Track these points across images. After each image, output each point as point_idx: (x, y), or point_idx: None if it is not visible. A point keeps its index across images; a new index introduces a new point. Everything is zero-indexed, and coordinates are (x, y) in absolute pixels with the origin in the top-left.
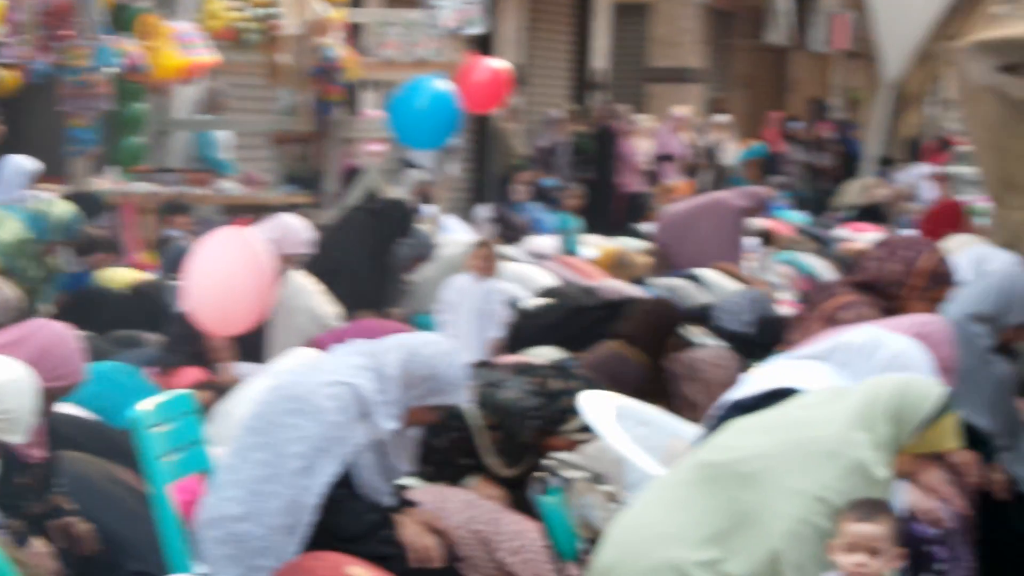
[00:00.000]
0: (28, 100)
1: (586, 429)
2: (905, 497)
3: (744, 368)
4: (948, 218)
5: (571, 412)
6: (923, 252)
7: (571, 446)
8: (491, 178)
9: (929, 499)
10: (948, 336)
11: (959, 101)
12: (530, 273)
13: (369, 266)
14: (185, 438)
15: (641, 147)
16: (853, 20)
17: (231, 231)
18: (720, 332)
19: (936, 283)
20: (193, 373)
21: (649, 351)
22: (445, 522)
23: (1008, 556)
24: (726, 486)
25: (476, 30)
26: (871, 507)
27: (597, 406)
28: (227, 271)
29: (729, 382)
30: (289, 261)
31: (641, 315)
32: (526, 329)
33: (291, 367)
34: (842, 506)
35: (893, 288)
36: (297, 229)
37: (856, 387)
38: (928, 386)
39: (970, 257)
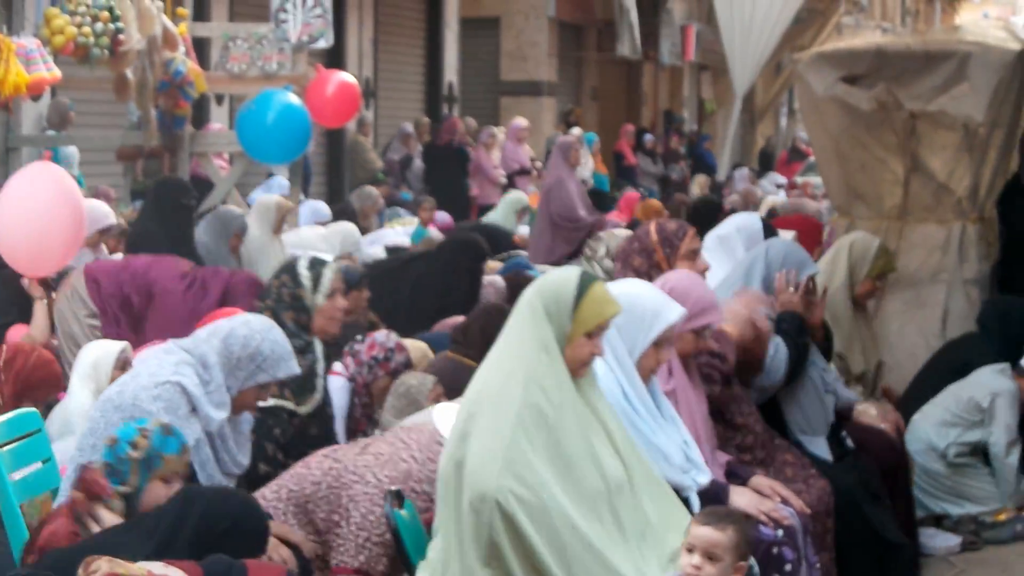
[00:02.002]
0: None
1: None
2: (741, 501)
3: None
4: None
5: None
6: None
7: None
8: (347, 192)
9: (766, 501)
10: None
11: (803, 112)
12: None
13: None
14: (33, 456)
15: (495, 159)
16: (702, 32)
17: (40, 167)
18: None
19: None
20: (22, 330)
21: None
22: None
23: (865, 554)
24: None
25: (323, 43)
26: (721, 515)
27: (448, 417)
28: (37, 208)
29: None
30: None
31: (475, 324)
32: None
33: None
34: None
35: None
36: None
37: None
38: (561, 275)
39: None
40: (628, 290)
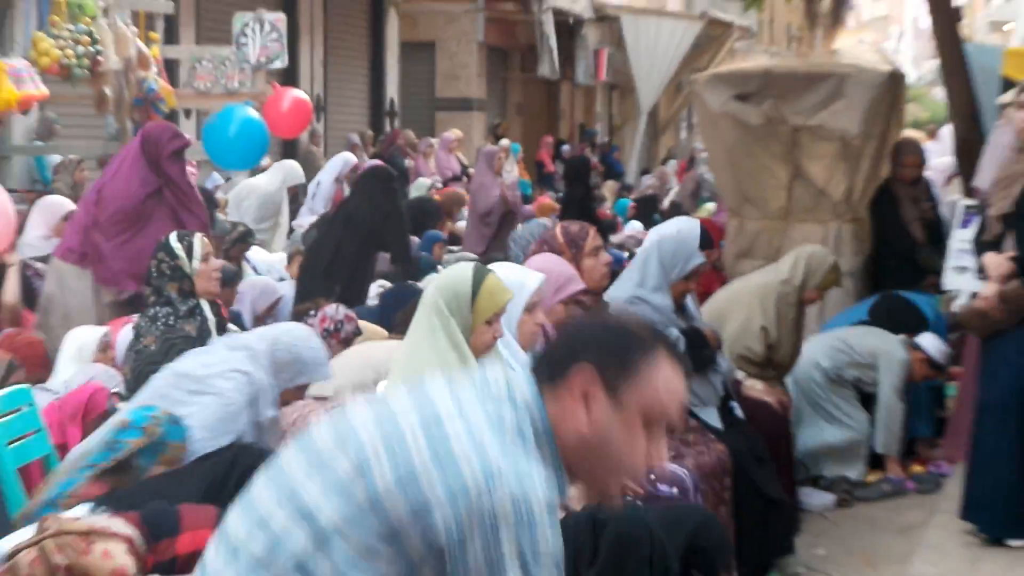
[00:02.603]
0: None
1: None
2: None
3: None
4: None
5: None
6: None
7: None
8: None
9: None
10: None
11: (700, 126)
12: None
13: None
14: (26, 427)
15: (431, 166)
16: (613, 56)
17: None
18: None
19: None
20: None
21: None
22: None
23: (751, 510)
24: None
25: (279, 64)
26: None
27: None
28: None
29: None
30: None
31: (412, 311)
32: None
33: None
34: None
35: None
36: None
37: None
38: (455, 272)
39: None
40: (498, 272)
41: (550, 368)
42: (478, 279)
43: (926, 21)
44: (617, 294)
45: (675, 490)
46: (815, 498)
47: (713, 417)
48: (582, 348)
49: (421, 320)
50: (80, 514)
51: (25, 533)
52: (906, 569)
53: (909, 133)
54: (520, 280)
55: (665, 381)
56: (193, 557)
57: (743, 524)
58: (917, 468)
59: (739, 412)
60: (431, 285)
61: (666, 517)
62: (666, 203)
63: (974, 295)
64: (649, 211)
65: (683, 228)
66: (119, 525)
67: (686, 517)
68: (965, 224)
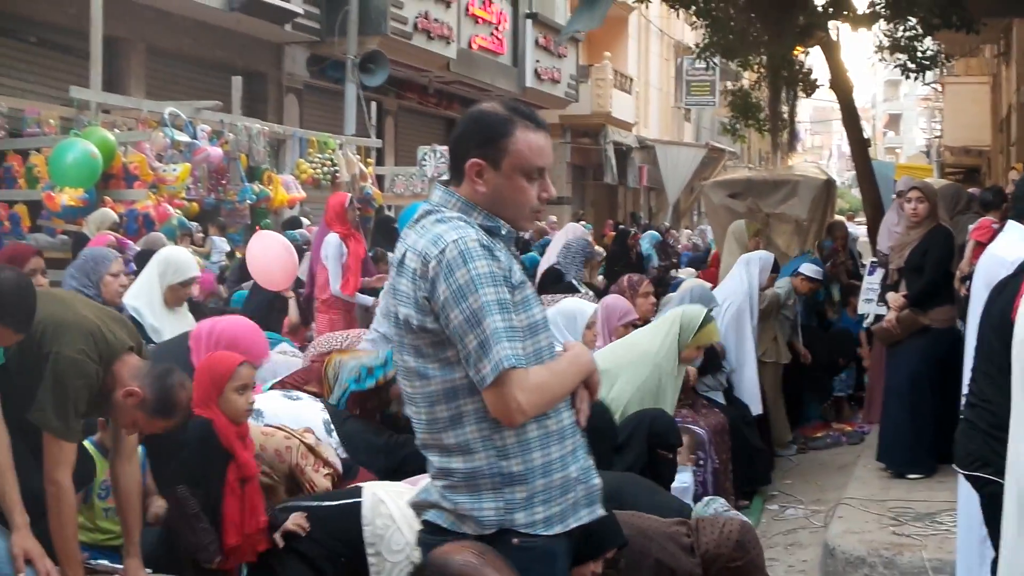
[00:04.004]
0: (200, 219)
1: None
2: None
3: None
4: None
5: None
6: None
7: None
8: None
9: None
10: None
11: (707, 213)
12: None
13: None
14: None
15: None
16: (650, 170)
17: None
18: None
19: (632, 290)
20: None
21: None
22: None
23: (745, 458)
24: None
25: (446, 177)
26: (683, 429)
27: None
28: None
29: None
30: None
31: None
32: None
33: None
34: None
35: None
36: None
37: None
38: (696, 309)
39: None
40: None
41: (455, 172)
42: (706, 320)
43: (846, 148)
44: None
45: (697, 443)
46: (784, 448)
47: (719, 397)
48: (465, 150)
49: (663, 324)
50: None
51: None
52: (844, 493)
53: (838, 217)
54: (584, 310)
55: (527, 143)
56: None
57: (737, 465)
58: (848, 427)
59: (735, 394)
60: (680, 307)
61: (631, 418)
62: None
63: (878, 317)
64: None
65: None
66: (333, 456)
67: (643, 415)
68: (871, 272)
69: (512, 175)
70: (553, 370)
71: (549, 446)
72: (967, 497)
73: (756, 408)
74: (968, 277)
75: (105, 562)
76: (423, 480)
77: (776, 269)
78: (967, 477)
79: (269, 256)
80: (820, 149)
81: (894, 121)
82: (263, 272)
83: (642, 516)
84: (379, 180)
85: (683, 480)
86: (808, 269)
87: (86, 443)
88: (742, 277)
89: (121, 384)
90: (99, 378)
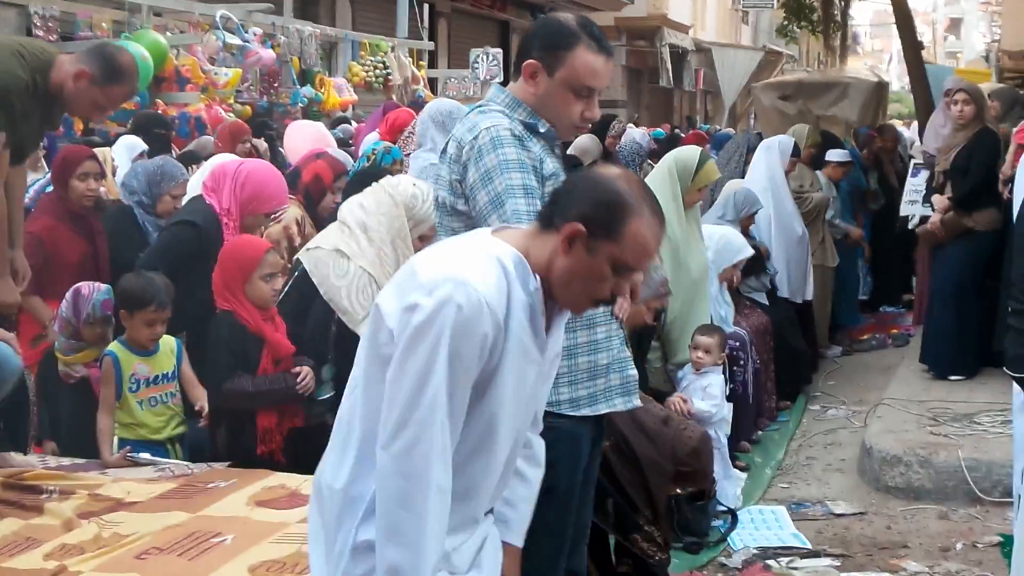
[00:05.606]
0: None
1: None
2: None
3: None
4: None
5: None
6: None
7: None
8: None
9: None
10: None
11: (759, 115)
12: None
13: None
14: None
15: None
16: (707, 73)
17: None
18: None
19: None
20: None
21: None
22: None
23: (788, 358)
24: None
25: (498, 80)
26: (712, 329)
27: None
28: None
29: None
30: None
31: None
32: None
33: None
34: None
35: None
36: None
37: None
38: (687, 151)
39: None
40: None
41: (515, 69)
42: (703, 159)
43: None
44: (707, 220)
45: (738, 343)
46: (830, 351)
47: (763, 298)
48: (528, 49)
49: (658, 174)
50: None
51: None
52: (885, 393)
53: (893, 121)
54: (743, 251)
55: (584, 61)
56: None
57: (779, 366)
58: (894, 330)
59: (780, 294)
60: (670, 155)
61: None
62: None
63: (923, 219)
64: None
65: (747, 186)
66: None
67: None
68: (914, 174)
69: (562, 86)
70: None
71: (575, 331)
72: None
73: (807, 292)
74: (1011, 180)
75: (147, 455)
76: None
77: (796, 153)
78: (1017, 381)
79: (304, 134)
80: (880, 53)
81: (955, 25)
82: (294, 151)
83: None
84: (431, 83)
85: (711, 381)
86: (835, 155)
87: (115, 342)
88: (761, 164)
89: (67, 75)
90: (35, 84)
